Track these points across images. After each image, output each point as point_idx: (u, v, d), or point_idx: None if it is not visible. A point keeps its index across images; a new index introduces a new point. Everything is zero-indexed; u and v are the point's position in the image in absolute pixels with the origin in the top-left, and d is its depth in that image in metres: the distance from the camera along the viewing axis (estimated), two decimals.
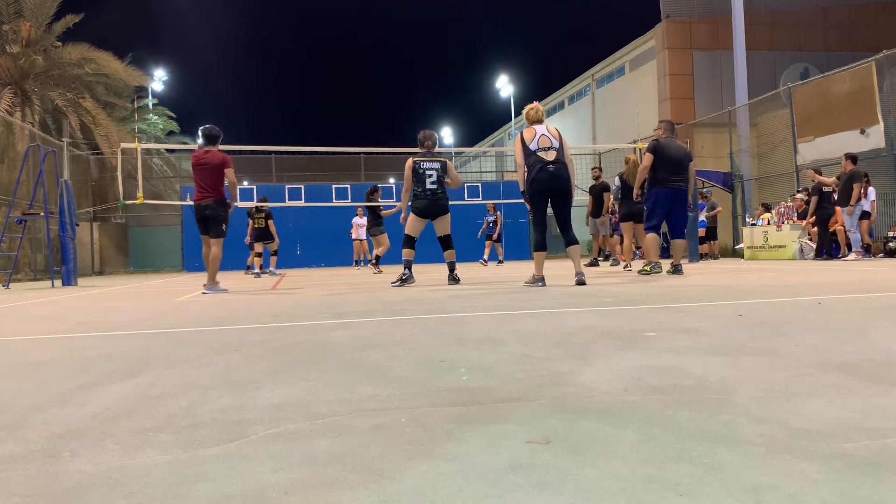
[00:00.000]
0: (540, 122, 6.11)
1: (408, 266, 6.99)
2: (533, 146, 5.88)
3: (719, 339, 2.32)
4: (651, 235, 7.48)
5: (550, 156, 5.83)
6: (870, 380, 1.60)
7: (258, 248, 13.06)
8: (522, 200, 6.31)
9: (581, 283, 5.68)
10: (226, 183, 6.97)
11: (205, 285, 6.90)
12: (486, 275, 9.50)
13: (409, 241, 7.06)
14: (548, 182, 5.81)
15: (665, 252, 12.30)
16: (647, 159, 7.40)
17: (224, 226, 7.02)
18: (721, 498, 0.90)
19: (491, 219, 15.95)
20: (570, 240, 6.06)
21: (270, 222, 13.03)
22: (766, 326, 2.62)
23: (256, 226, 13.02)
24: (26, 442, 1.31)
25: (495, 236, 15.92)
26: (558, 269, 9.35)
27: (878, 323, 2.64)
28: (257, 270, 12.81)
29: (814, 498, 0.89)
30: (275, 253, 13.41)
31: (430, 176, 6.93)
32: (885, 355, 1.94)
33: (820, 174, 11.92)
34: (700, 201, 14.66)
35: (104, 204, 21.10)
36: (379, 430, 1.30)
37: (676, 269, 7.39)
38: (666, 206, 7.42)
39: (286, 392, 1.68)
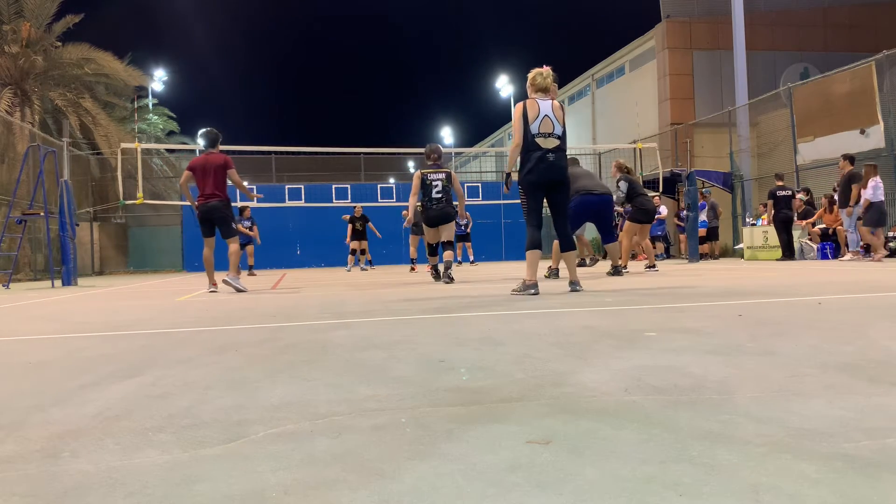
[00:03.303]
0: (546, 91, 5.23)
1: (435, 269, 7.97)
2: (534, 128, 5.07)
3: (719, 339, 2.32)
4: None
5: (551, 143, 5.09)
6: (870, 380, 1.60)
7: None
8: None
9: (576, 291, 5.09)
10: (229, 184, 7.02)
11: (227, 274, 6.93)
12: (485, 275, 9.50)
13: (432, 250, 7.94)
14: (545, 173, 5.09)
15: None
16: None
17: (233, 224, 7.14)
18: (721, 498, 0.90)
19: (462, 221, 16.10)
20: (568, 243, 5.39)
21: (369, 224, 15.47)
22: (766, 326, 2.62)
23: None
24: (26, 442, 1.31)
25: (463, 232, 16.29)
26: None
27: (878, 323, 2.64)
28: (360, 265, 15.42)
29: (814, 498, 0.89)
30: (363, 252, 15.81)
31: (436, 186, 7.51)
32: (885, 355, 1.94)
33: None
34: (700, 201, 14.70)
35: (104, 204, 21.08)
36: (379, 430, 1.30)
37: (553, 273, 7.61)
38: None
39: (286, 392, 1.68)
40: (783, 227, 12.59)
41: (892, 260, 10.43)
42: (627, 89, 27.28)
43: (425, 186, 7.50)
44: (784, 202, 12.53)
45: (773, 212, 12.63)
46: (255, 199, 7.31)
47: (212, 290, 6.89)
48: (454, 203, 7.76)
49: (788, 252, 12.59)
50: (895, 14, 23.23)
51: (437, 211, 7.51)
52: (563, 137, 5.20)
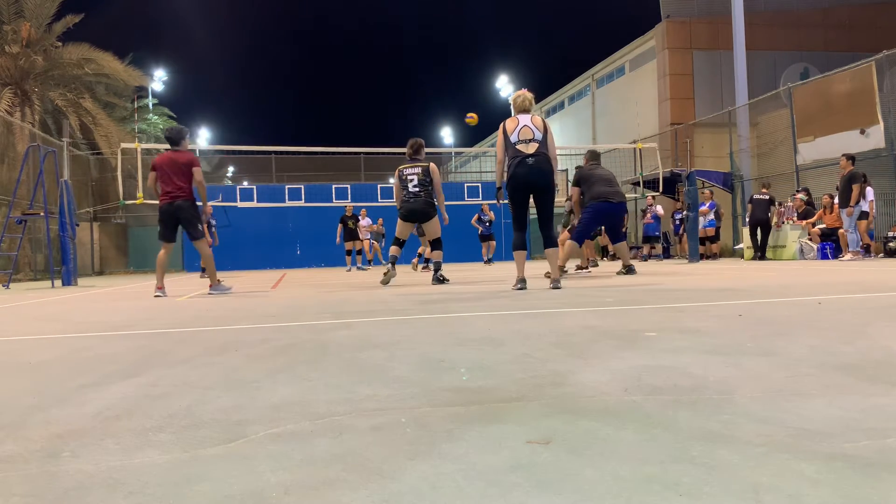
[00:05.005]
0: (526, 111, 5.65)
1: (393, 263, 7.42)
2: (513, 138, 5.47)
3: (719, 339, 2.32)
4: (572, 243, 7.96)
5: (531, 148, 5.40)
6: (870, 380, 1.60)
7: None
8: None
9: (557, 289, 5.30)
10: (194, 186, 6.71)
11: (210, 286, 6.77)
12: (483, 275, 9.50)
13: (397, 241, 7.51)
14: (527, 176, 5.38)
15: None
16: (575, 192, 8.12)
17: (200, 226, 6.82)
18: (721, 498, 0.90)
19: (486, 218, 16.05)
20: (550, 241, 5.63)
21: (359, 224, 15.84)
22: (766, 326, 2.62)
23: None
24: (26, 442, 1.31)
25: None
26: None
27: (878, 323, 2.64)
28: (357, 265, 15.66)
29: (814, 498, 0.89)
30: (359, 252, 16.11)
31: (412, 181, 7.28)
32: (885, 355, 1.94)
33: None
34: (709, 201, 14.90)
35: (104, 204, 21.08)
36: (379, 430, 1.30)
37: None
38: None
39: (286, 392, 1.68)
40: (754, 229, 13.15)
41: (892, 260, 10.43)
42: (627, 89, 27.29)
43: (402, 181, 7.26)
44: (760, 206, 13.06)
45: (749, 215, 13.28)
46: (206, 211, 6.85)
47: (157, 294, 6.52)
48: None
49: (758, 254, 13.10)
50: (895, 14, 23.23)
51: (412, 205, 7.20)
52: (543, 143, 5.49)
